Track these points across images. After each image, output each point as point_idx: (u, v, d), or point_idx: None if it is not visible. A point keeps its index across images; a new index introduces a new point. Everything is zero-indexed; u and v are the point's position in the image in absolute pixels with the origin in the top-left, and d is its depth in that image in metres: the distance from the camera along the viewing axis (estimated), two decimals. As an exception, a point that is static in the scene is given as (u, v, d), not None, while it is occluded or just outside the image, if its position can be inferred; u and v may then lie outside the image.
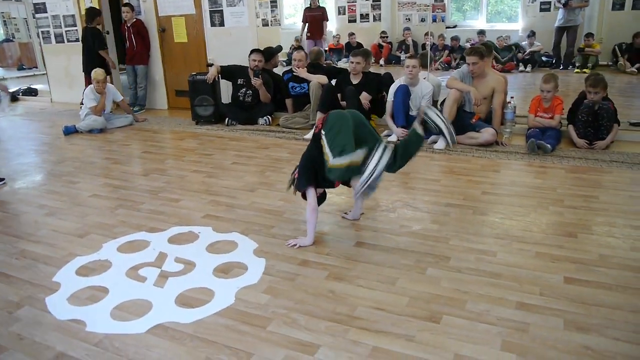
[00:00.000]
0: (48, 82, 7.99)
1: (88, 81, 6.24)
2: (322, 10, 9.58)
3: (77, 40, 7.21)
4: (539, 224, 2.87)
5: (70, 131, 5.56)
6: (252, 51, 5.60)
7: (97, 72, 5.60)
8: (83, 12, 6.93)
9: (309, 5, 9.52)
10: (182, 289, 2.33)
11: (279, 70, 6.41)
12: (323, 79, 5.30)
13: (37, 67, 12.17)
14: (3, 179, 3.99)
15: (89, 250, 2.74)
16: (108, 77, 5.90)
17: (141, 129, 5.77)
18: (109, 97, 5.75)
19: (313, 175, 2.65)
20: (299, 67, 5.48)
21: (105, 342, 1.95)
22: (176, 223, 3.07)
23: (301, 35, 9.48)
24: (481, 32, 9.60)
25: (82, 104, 5.83)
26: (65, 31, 7.42)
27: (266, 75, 5.69)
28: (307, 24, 9.47)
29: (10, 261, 2.66)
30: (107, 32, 6.93)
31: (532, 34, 9.23)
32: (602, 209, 3.05)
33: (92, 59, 6.36)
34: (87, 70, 6.38)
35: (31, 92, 8.68)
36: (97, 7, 6.70)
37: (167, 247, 2.77)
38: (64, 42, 7.47)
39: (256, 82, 5.48)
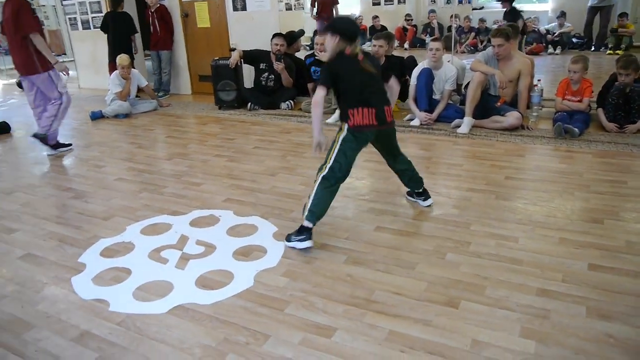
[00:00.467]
0: (76, 68, 8.14)
1: (113, 68, 6.34)
2: None
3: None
4: (563, 210, 2.80)
5: (97, 116, 5.67)
6: (275, 35, 5.59)
7: (122, 58, 5.68)
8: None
9: None
10: (202, 271, 2.37)
11: (301, 54, 6.37)
12: None
13: (65, 54, 12.39)
14: (70, 144, 4.40)
15: (113, 233, 2.81)
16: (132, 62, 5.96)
17: (165, 114, 5.84)
18: (133, 83, 5.83)
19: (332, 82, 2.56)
20: (321, 52, 5.43)
21: (128, 322, 2.00)
22: (198, 207, 3.11)
23: (311, 15, 9.01)
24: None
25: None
26: (92, 17, 7.52)
27: (288, 59, 5.68)
28: (316, 5, 8.91)
29: (38, 242, 2.74)
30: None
31: (562, 15, 8.94)
32: (630, 195, 2.96)
33: (121, 43, 6.44)
34: (114, 57, 6.48)
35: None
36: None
37: (189, 230, 2.81)
38: (90, 28, 7.58)
39: (278, 66, 5.47)
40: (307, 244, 2.48)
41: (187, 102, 6.45)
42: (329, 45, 2.58)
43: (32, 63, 4.09)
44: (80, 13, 7.60)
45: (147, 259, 2.52)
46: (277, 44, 5.51)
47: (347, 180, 2.61)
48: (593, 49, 8.52)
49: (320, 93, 2.54)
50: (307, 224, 2.49)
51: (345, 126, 2.53)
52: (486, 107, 4.48)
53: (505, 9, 7.38)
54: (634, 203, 2.85)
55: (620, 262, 2.25)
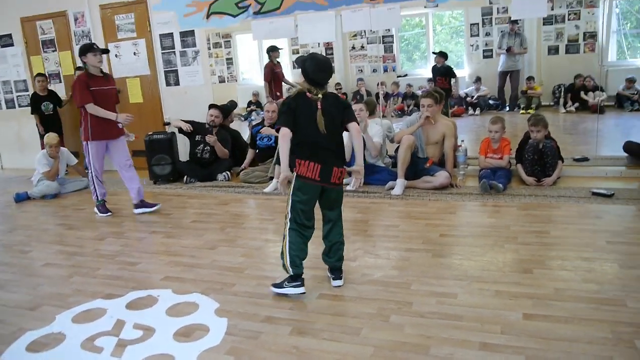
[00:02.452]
0: (-2, 148, 7.78)
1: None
2: (281, 67, 9.09)
3: (28, 105, 7.11)
4: (496, 263, 2.94)
5: (22, 198, 5.39)
6: (211, 106, 5.68)
7: (50, 137, 5.52)
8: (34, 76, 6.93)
9: (271, 61, 8.02)
10: (141, 357, 2.24)
11: (236, 125, 6.48)
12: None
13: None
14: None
15: (41, 324, 2.62)
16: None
17: (97, 192, 5.64)
18: (62, 161, 5.65)
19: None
20: (271, 119, 5.56)
21: (58, 423, 1.84)
22: (134, 287, 2.98)
23: (267, 93, 8.37)
24: (430, 80, 10.04)
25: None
26: (17, 96, 7.32)
27: (223, 131, 5.75)
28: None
29: (-46, 342, 2.50)
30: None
31: (477, 80, 9.73)
32: (553, 244, 3.16)
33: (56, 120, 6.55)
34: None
35: (-19, 159, 8.40)
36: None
37: (125, 313, 2.67)
38: (15, 107, 7.35)
39: (210, 139, 5.52)
40: (301, 289, 2.63)
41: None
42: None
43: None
44: (5, 92, 7.39)
45: (79, 350, 2.35)
46: (212, 115, 5.60)
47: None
48: (507, 109, 9.26)
49: (284, 131, 2.57)
50: (293, 271, 2.62)
51: (294, 174, 2.62)
52: (416, 168, 4.71)
53: (437, 64, 7.94)
54: (557, 251, 3.04)
55: (551, 310, 2.36)
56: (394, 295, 2.63)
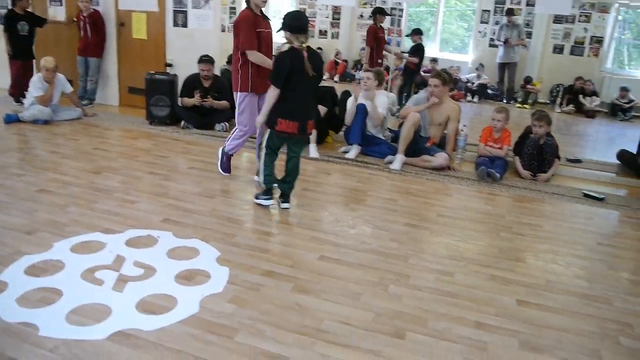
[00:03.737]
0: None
1: (14, 67, 6.26)
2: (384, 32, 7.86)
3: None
4: (491, 248, 3.02)
5: (12, 119, 5.23)
6: (201, 60, 5.46)
7: (48, 60, 5.32)
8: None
9: (375, 24, 7.12)
10: (143, 294, 2.25)
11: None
12: None
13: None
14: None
15: (39, 249, 2.60)
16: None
17: (90, 124, 5.53)
18: (57, 88, 5.48)
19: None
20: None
21: (62, 348, 1.85)
22: (133, 225, 2.97)
23: (366, 59, 7.36)
24: (434, 60, 10.01)
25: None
26: None
27: (220, 80, 5.64)
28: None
29: (-51, 255, 2.47)
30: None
31: (480, 67, 9.74)
32: (546, 238, 3.26)
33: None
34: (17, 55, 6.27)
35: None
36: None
37: (125, 250, 2.67)
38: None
39: (206, 103, 5.47)
40: (270, 202, 3.37)
41: (114, 114, 6.16)
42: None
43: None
44: (0, 7, 7.04)
45: (79, 280, 2.35)
46: (203, 70, 5.45)
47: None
48: (505, 101, 9.33)
49: (276, 92, 3.11)
50: (266, 187, 3.34)
51: (269, 130, 3.22)
52: (416, 146, 4.74)
53: (413, 43, 7.78)
54: (549, 245, 3.14)
55: (543, 299, 2.46)
56: (392, 266, 2.69)
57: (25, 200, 3.25)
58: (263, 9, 3.65)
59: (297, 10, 3.35)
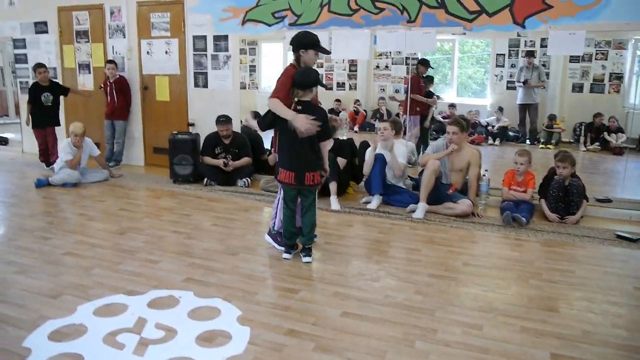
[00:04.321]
0: (21, 131, 7.85)
1: (39, 135, 6.49)
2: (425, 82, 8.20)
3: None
4: (520, 298, 2.91)
5: (42, 184, 5.42)
6: (218, 122, 5.61)
7: (76, 126, 5.56)
8: (67, 66, 7.03)
9: (417, 74, 7.52)
10: (163, 358, 2.23)
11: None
12: None
13: (7, 116, 11.99)
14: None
15: (63, 313, 2.61)
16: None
17: (116, 185, 5.67)
18: (85, 151, 5.68)
19: None
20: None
21: (82, 417, 1.82)
22: (155, 286, 2.98)
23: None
24: (452, 105, 10.06)
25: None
26: (44, 83, 7.39)
27: (239, 138, 5.76)
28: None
29: (-25, 323, 2.50)
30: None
31: (499, 110, 9.73)
32: (579, 284, 3.12)
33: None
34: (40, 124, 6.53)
35: (1, 141, 8.50)
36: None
37: (147, 311, 2.67)
38: (42, 94, 7.41)
39: (228, 168, 5.60)
40: (288, 255, 3.45)
41: (140, 174, 6.32)
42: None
43: None
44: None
45: (101, 344, 2.34)
46: (222, 130, 5.60)
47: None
48: (528, 142, 9.24)
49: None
50: (285, 240, 3.48)
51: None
52: (439, 193, 4.69)
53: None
54: (584, 292, 3.01)
55: (579, 352, 2.33)
56: (418, 320, 2.61)
57: (51, 263, 3.31)
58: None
59: (307, 68, 3.35)
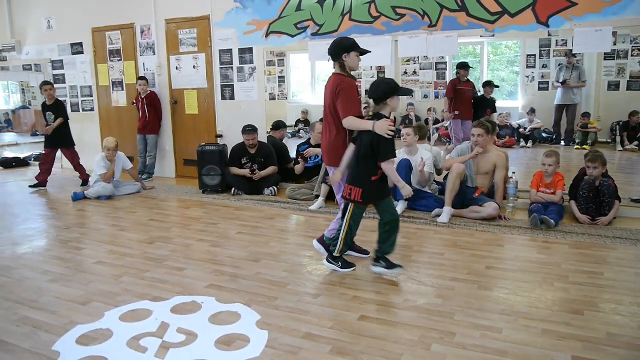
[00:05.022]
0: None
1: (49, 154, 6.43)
2: (470, 85, 8.12)
3: (91, 109, 7.59)
4: (544, 300, 2.84)
5: (78, 197, 5.66)
6: (244, 131, 5.71)
7: (109, 140, 5.80)
8: (101, 83, 7.34)
9: (457, 78, 7.62)
10: (182, 360, 2.29)
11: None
12: None
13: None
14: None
15: (91, 319, 2.72)
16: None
17: (148, 197, 5.86)
18: (118, 165, 5.90)
19: None
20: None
21: (102, 416, 1.90)
22: (179, 292, 3.06)
23: (446, 107, 7.69)
24: (483, 108, 9.91)
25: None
26: (82, 100, 7.74)
27: (265, 147, 5.86)
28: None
29: (10, 328, 2.64)
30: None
31: (531, 111, 9.52)
32: (607, 286, 3.03)
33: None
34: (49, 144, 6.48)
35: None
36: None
37: (170, 316, 2.75)
38: (79, 110, 7.76)
39: (256, 177, 5.71)
40: (352, 268, 3.37)
41: (171, 185, 6.51)
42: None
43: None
44: (70, 96, 7.82)
45: (125, 347, 2.43)
46: (248, 139, 5.72)
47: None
48: (563, 143, 9.00)
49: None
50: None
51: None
52: (464, 197, 4.64)
53: (488, 96, 7.82)
54: (611, 294, 2.91)
55: (602, 355, 2.26)
56: (436, 323, 2.59)
57: (83, 272, 3.45)
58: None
59: (378, 80, 3.24)
